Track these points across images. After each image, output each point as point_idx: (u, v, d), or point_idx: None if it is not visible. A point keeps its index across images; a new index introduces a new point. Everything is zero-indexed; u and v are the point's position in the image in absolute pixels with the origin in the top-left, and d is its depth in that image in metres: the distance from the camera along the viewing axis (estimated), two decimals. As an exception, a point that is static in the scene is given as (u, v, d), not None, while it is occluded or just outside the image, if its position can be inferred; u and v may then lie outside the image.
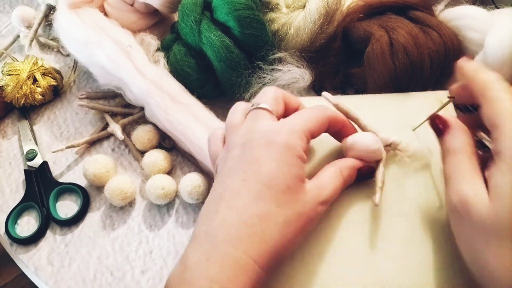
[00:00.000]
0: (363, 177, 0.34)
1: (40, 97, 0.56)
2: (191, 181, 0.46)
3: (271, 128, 0.31)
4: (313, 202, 0.30)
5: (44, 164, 0.52)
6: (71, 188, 0.51)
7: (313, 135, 0.32)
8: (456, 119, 0.32)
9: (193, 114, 0.48)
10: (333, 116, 0.34)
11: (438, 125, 0.32)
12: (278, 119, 0.33)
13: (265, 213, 0.28)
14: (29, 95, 0.56)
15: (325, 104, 0.35)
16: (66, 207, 0.50)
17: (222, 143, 0.35)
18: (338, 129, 0.35)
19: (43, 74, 0.56)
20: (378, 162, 0.34)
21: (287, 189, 0.29)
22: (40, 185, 0.50)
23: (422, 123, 0.37)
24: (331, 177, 0.32)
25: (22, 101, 0.56)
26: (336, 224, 0.34)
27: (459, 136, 0.30)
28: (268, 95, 0.34)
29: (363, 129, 0.35)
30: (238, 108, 0.35)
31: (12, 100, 0.56)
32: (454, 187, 0.29)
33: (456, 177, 0.29)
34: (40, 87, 0.56)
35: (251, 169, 0.30)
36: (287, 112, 0.35)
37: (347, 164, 0.33)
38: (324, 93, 0.35)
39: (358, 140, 0.33)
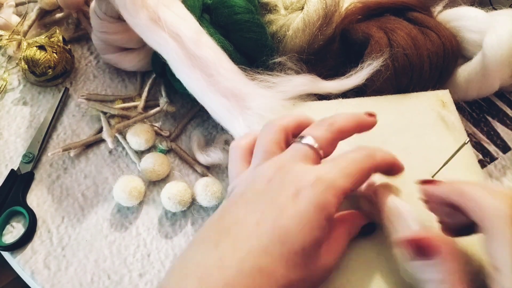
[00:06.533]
0: (365, 234, 0.32)
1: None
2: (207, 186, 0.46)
3: (307, 176, 0.27)
4: (323, 269, 0.27)
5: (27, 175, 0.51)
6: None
7: (352, 190, 0.28)
8: (448, 241, 0.26)
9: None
10: (382, 163, 0.30)
11: (421, 246, 0.25)
12: (325, 156, 0.30)
13: (268, 270, 0.25)
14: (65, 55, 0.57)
15: (331, 108, 0.32)
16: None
17: (245, 162, 0.32)
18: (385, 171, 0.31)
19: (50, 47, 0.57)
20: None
21: (301, 251, 0.25)
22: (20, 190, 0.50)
23: (440, 168, 0.35)
24: (342, 239, 0.29)
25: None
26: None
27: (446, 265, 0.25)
28: (325, 128, 0.30)
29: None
30: (278, 128, 0.31)
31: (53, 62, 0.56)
32: None
33: None
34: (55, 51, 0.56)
35: (270, 213, 0.26)
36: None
37: (355, 223, 0.31)
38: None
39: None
